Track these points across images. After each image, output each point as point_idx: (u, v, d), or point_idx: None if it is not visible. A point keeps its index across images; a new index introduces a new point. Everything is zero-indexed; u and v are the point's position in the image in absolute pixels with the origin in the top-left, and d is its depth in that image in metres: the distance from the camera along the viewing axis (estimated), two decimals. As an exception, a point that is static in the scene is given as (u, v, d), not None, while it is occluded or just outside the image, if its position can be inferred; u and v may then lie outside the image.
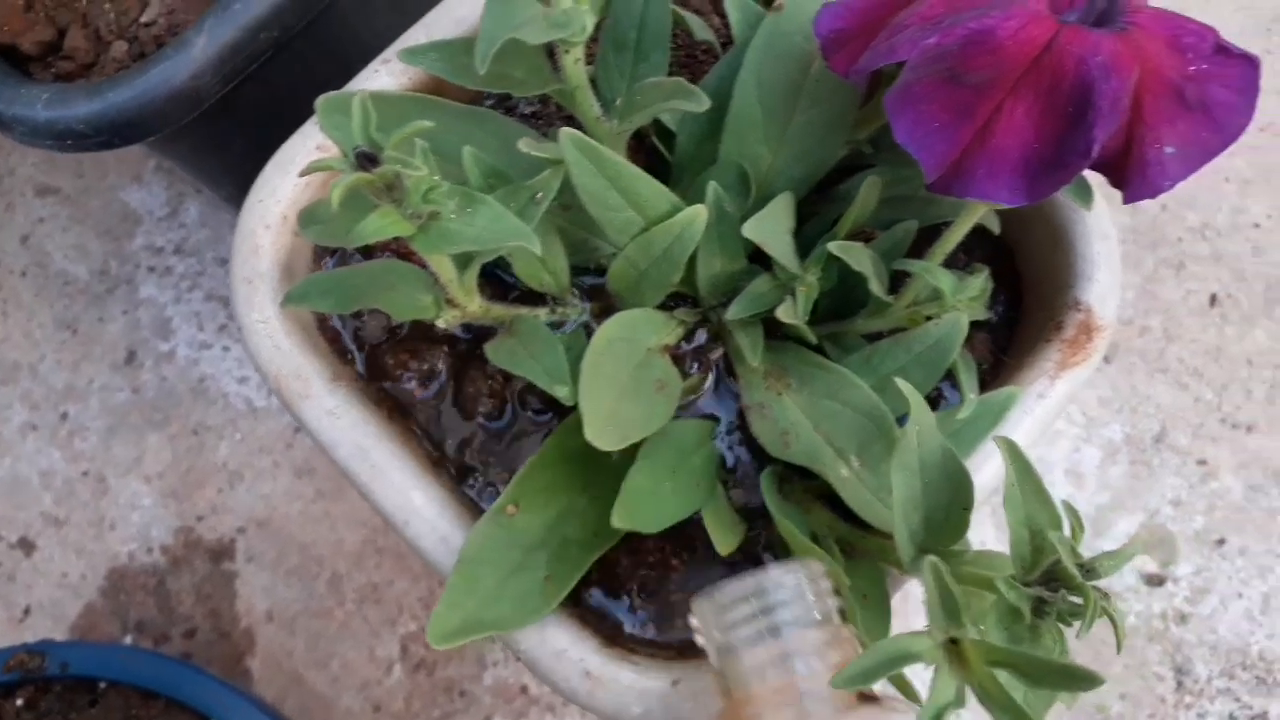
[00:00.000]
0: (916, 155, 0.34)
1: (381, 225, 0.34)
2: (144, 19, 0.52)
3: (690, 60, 0.47)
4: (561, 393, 0.36)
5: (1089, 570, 0.29)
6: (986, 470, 0.39)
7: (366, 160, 0.33)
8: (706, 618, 0.33)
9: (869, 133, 0.43)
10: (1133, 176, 0.34)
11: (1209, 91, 0.33)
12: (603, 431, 0.35)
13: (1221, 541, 0.69)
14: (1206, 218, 0.75)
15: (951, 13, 0.33)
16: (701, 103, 0.36)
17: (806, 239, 0.43)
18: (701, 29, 0.43)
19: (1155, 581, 0.69)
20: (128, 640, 0.71)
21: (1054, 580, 0.30)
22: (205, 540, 0.72)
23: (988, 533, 0.70)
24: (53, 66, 0.52)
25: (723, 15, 0.49)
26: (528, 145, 0.38)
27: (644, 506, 0.37)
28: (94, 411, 0.75)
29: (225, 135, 0.54)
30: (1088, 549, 0.69)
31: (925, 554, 0.34)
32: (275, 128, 0.56)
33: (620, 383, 0.38)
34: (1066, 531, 0.31)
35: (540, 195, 0.38)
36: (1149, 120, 0.33)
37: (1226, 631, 0.68)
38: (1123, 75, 0.32)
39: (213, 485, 0.73)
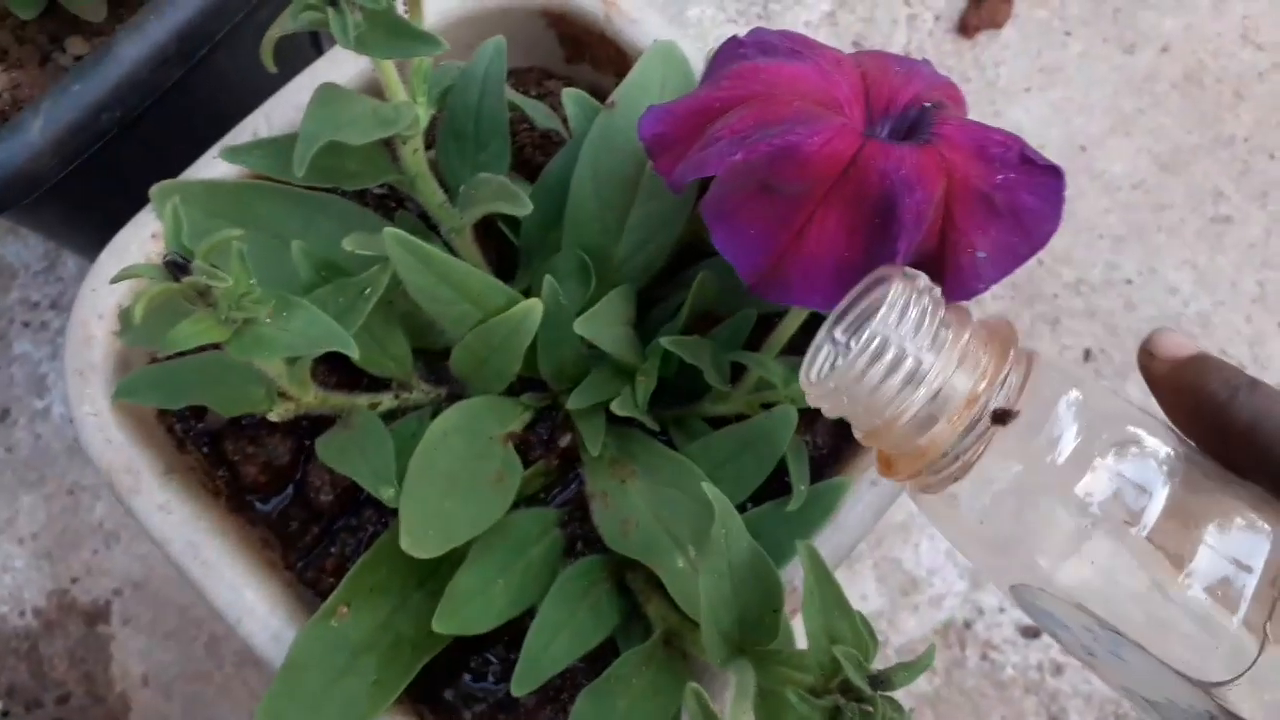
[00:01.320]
0: (734, 263, 0.34)
1: (194, 332, 0.33)
2: (-9, 89, 0.51)
3: (545, 142, 0.48)
4: (387, 495, 0.36)
5: (881, 681, 0.30)
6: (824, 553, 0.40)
7: (176, 269, 0.33)
8: (827, 396, 0.30)
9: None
10: (949, 280, 0.35)
11: (1017, 199, 0.34)
12: (422, 538, 0.35)
13: (1093, 592, 0.71)
14: (1082, 273, 0.77)
15: (760, 126, 0.34)
16: (524, 206, 0.36)
17: (651, 325, 0.44)
18: (545, 118, 0.44)
19: (1032, 633, 0.70)
20: (-2, 708, 0.69)
21: (849, 690, 0.30)
22: (80, 603, 0.71)
23: (869, 586, 0.71)
24: (-108, 138, 0.51)
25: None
26: (353, 243, 0.37)
27: (469, 609, 0.37)
28: (-35, 471, 0.73)
29: (81, 205, 0.54)
30: (968, 603, 0.70)
31: (740, 655, 0.34)
32: (133, 197, 0.55)
33: (452, 477, 0.38)
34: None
35: (369, 291, 0.38)
36: (960, 226, 0.34)
37: (1100, 683, 0.69)
38: (927, 187, 0.33)
39: (88, 546, 0.71)
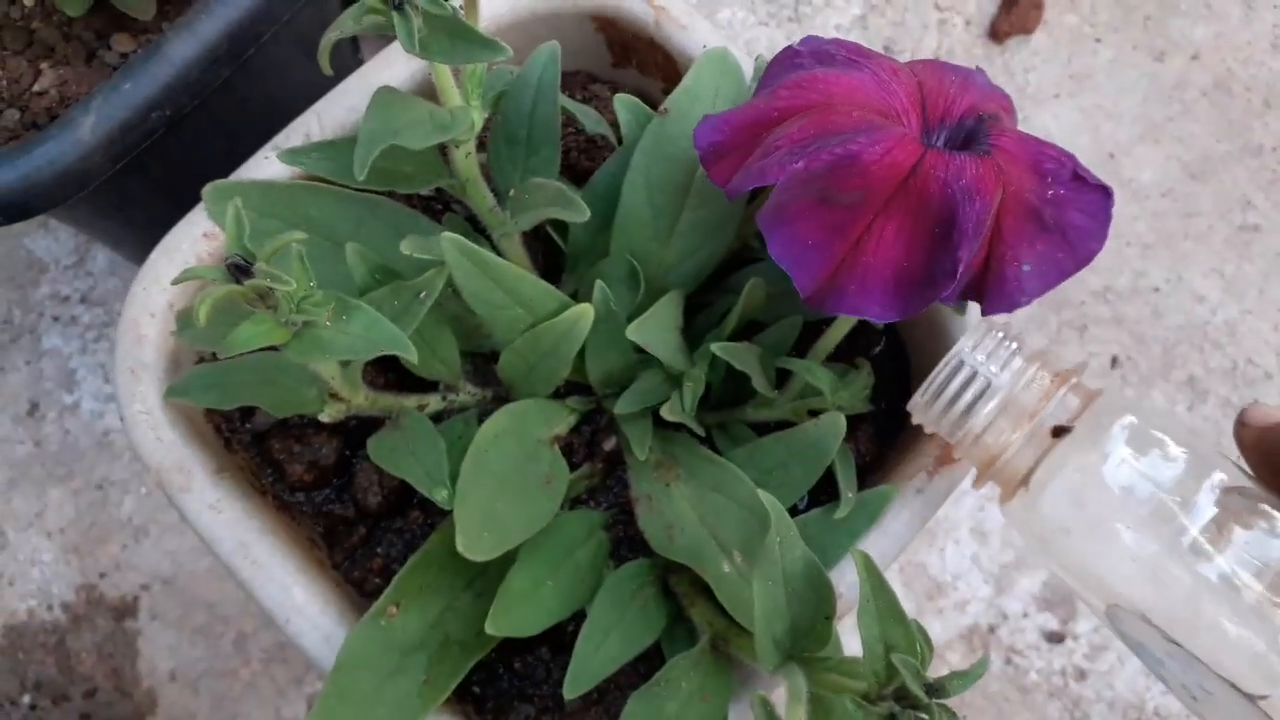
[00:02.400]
0: (790, 273, 0.35)
1: (254, 334, 0.34)
2: (36, 87, 0.51)
3: (590, 146, 0.48)
4: (440, 496, 0.37)
5: (936, 690, 0.30)
6: (864, 567, 0.40)
7: (239, 271, 0.33)
8: (928, 415, 0.36)
9: (756, 227, 0.44)
10: (992, 291, 0.35)
11: (1065, 215, 0.35)
12: (477, 540, 0.35)
13: (1118, 599, 0.71)
14: (1109, 281, 0.77)
15: (819, 136, 0.34)
16: (581, 213, 0.37)
17: (698, 330, 0.44)
18: (595, 123, 0.44)
19: (1056, 639, 0.71)
20: (26, 700, 0.70)
21: (904, 697, 0.31)
22: (108, 597, 0.71)
23: (895, 590, 0.71)
24: (-59, 134, 0.51)
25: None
26: (410, 246, 0.38)
27: (521, 610, 0.37)
28: (-5, 464, 0.73)
29: (123, 202, 0.54)
30: (992, 608, 0.70)
31: (790, 660, 0.35)
32: (173, 197, 0.55)
33: (503, 480, 0.38)
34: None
35: (424, 295, 0.38)
36: (1008, 239, 0.35)
37: (1123, 688, 0.69)
38: (985, 198, 0.33)
39: (116, 541, 0.72)
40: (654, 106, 0.45)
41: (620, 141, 0.47)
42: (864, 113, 0.35)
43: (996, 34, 0.83)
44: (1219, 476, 0.33)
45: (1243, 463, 0.34)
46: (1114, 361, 0.75)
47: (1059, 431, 0.34)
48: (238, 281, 0.33)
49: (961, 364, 0.36)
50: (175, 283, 0.35)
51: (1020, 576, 0.72)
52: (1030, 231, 0.35)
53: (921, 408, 0.37)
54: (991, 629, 0.71)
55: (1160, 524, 0.33)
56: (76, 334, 0.75)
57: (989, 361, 0.36)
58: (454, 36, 0.35)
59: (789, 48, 0.38)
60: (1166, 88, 0.82)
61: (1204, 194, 0.80)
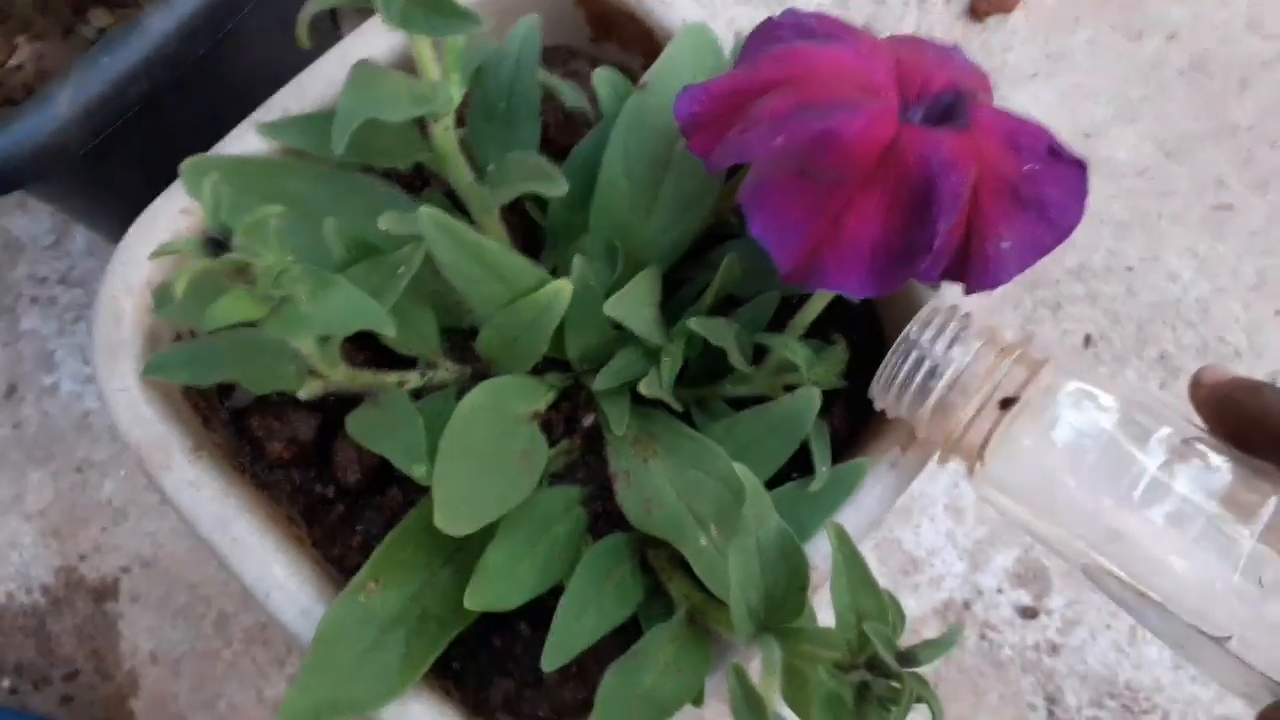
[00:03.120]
0: (770, 249, 0.35)
1: (232, 309, 0.33)
2: (12, 62, 0.50)
3: (570, 123, 0.48)
4: (418, 472, 0.37)
5: (908, 658, 0.30)
6: (841, 539, 0.40)
7: (216, 246, 0.33)
8: (886, 400, 0.38)
9: (735, 202, 0.44)
10: (974, 269, 0.36)
11: (1043, 190, 0.35)
12: (455, 515, 0.35)
13: (1094, 575, 0.72)
14: (1083, 259, 0.78)
15: (799, 110, 0.34)
16: (560, 186, 0.37)
17: (676, 305, 0.44)
18: (574, 97, 0.44)
19: (1029, 614, 0.71)
20: (5, 683, 0.69)
21: (877, 666, 0.31)
22: (88, 580, 0.71)
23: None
24: (-88, 111, 0.50)
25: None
26: (388, 221, 0.38)
27: (499, 585, 0.37)
28: (-29, 446, 0.73)
29: (100, 179, 0.53)
30: (967, 584, 0.71)
31: (765, 631, 0.35)
32: (151, 174, 0.55)
33: (482, 455, 0.38)
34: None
35: (402, 270, 0.38)
36: (987, 216, 0.35)
37: (1095, 662, 0.70)
38: (962, 171, 0.34)
39: (96, 523, 0.71)
40: (634, 81, 0.45)
41: (601, 117, 0.47)
42: (843, 87, 0.35)
43: (976, 13, 0.83)
44: (1166, 430, 0.35)
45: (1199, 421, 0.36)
46: (1088, 340, 0.76)
47: (1006, 403, 0.36)
48: (215, 256, 0.33)
49: (910, 347, 0.37)
50: (152, 257, 0.35)
51: (994, 553, 0.72)
52: (1008, 207, 0.35)
53: (879, 393, 0.38)
54: (966, 605, 0.72)
55: (1110, 477, 0.34)
56: (55, 315, 0.75)
57: (936, 342, 0.37)
58: (432, 9, 0.34)
59: (769, 19, 0.38)
60: (1144, 67, 0.83)
61: (1180, 173, 0.80)
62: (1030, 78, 0.82)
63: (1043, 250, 0.36)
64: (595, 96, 0.48)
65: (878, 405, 0.39)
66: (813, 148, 0.33)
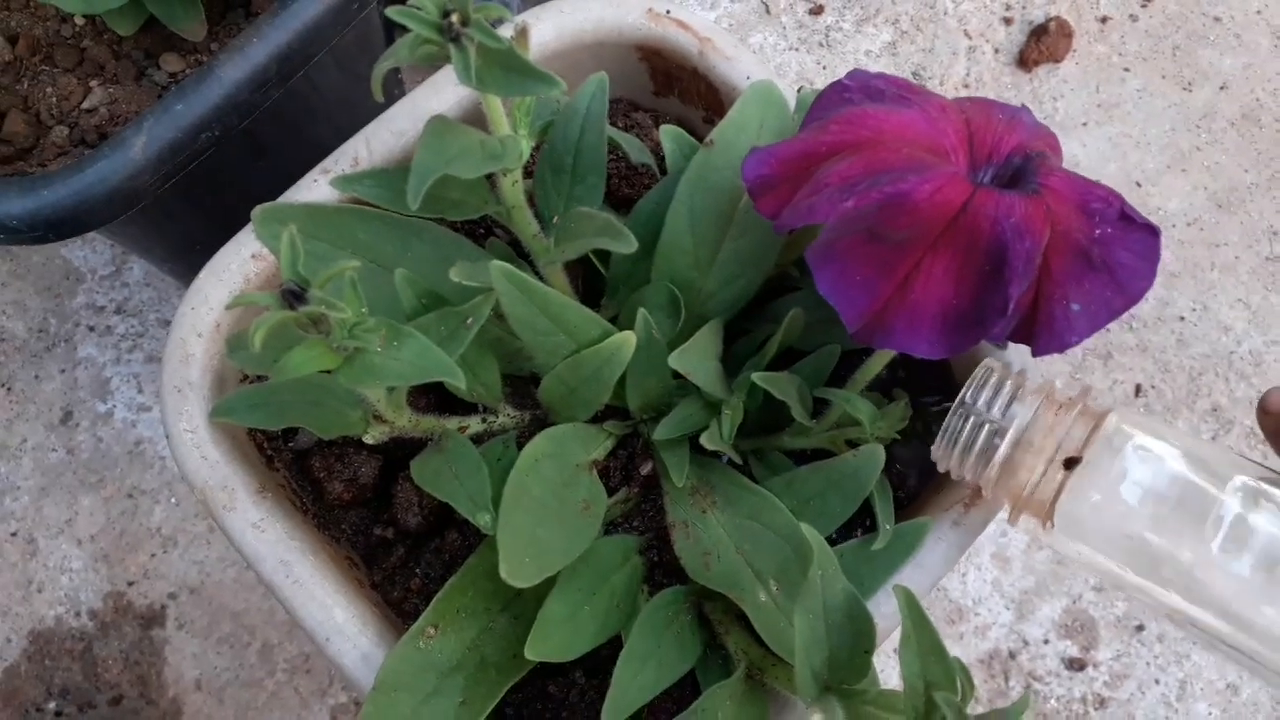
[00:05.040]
0: (838, 308, 0.35)
1: (307, 359, 0.34)
2: (86, 105, 0.52)
3: (631, 174, 0.48)
4: (483, 521, 0.37)
5: (980, 728, 0.30)
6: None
7: (293, 297, 0.33)
8: (950, 463, 0.38)
9: (796, 255, 0.44)
10: (1041, 331, 0.35)
11: (1113, 254, 0.35)
12: (520, 566, 0.35)
13: (1141, 628, 0.71)
14: (1134, 309, 0.77)
15: (870, 174, 0.34)
16: (630, 244, 0.37)
17: (736, 357, 0.44)
18: (639, 152, 0.44)
19: (1076, 666, 0.71)
20: (51, 706, 0.70)
21: (946, 735, 0.31)
22: (136, 606, 0.72)
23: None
24: (-10, 150, 0.52)
25: (663, 129, 0.50)
26: (459, 274, 0.38)
27: (559, 635, 0.37)
28: (26, 471, 0.74)
29: (163, 216, 0.55)
30: (1013, 633, 0.70)
31: (829, 693, 0.35)
32: (213, 210, 0.56)
33: (544, 505, 0.39)
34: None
35: (471, 320, 0.39)
36: (1057, 279, 0.35)
37: (1143, 717, 0.69)
38: (1035, 236, 0.34)
39: (146, 550, 0.72)
40: (695, 135, 0.46)
41: (663, 170, 0.48)
42: (913, 150, 0.35)
43: (1025, 62, 0.83)
44: (1239, 478, 0.35)
45: (1269, 460, 0.36)
46: (1138, 390, 0.75)
47: (1070, 463, 0.36)
48: (292, 307, 0.33)
49: (969, 410, 0.38)
50: (230, 307, 0.35)
51: (1041, 603, 0.72)
52: (1078, 271, 0.35)
53: (942, 456, 0.39)
54: (1012, 655, 0.71)
55: (1187, 527, 0.35)
56: (111, 344, 0.76)
57: (994, 403, 0.37)
58: (508, 69, 0.35)
59: (838, 82, 0.39)
60: (1194, 117, 0.82)
61: (1230, 224, 0.80)
62: (1081, 126, 0.82)
63: (1113, 314, 0.36)
64: (657, 149, 0.49)
65: (941, 468, 0.39)
66: (883, 210, 0.34)
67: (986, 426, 0.37)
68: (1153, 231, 0.35)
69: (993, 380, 0.38)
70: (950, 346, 0.35)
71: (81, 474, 0.74)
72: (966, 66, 0.84)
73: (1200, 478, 0.35)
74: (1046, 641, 0.71)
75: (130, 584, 0.72)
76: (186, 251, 0.60)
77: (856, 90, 0.38)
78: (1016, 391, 0.38)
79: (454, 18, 0.34)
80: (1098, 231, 0.35)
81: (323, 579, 0.40)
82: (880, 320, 0.35)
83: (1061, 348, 0.36)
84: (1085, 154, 0.82)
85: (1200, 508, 0.35)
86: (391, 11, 0.34)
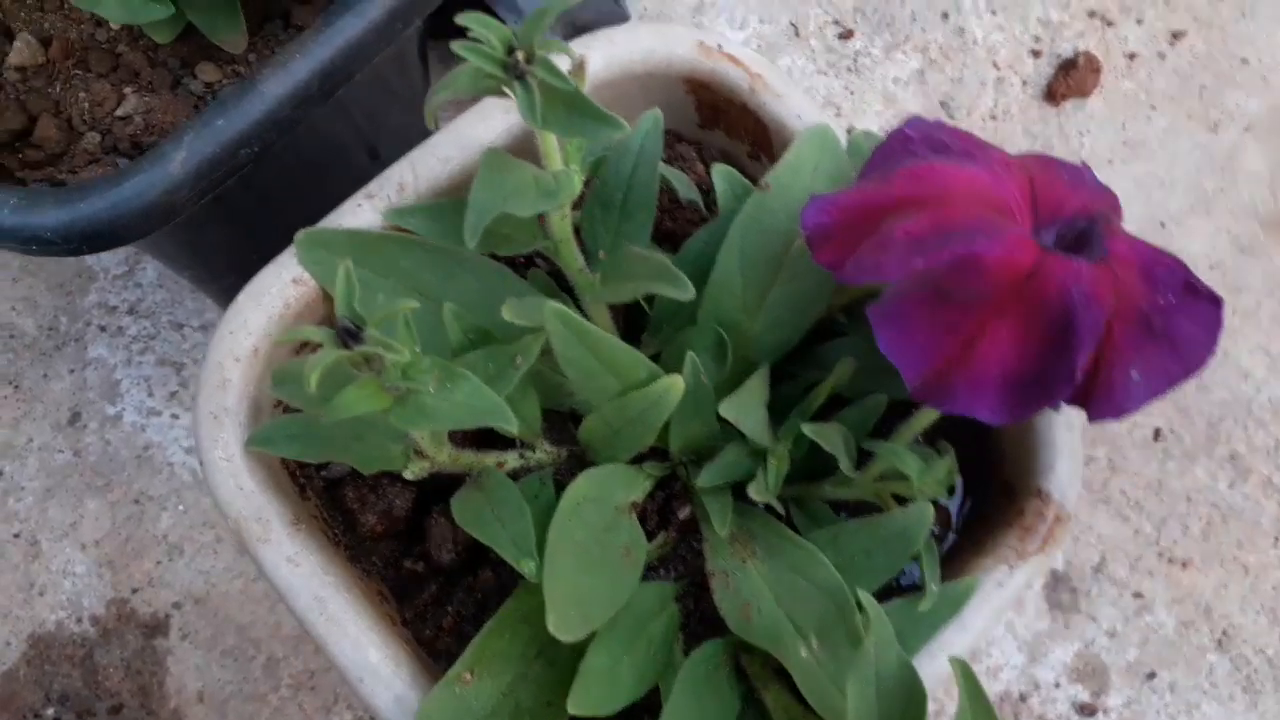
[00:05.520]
0: (899, 366, 0.34)
1: (359, 399, 0.33)
2: (119, 112, 0.51)
3: (674, 207, 0.48)
4: (528, 569, 0.36)
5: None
6: (943, 659, 0.40)
7: (348, 336, 0.33)
8: None
9: (844, 301, 0.44)
10: (1099, 397, 0.35)
11: (1175, 324, 0.35)
12: (567, 619, 0.35)
13: (1152, 675, 0.71)
14: (1156, 351, 0.77)
15: (938, 233, 0.34)
16: (687, 291, 0.36)
17: (780, 401, 0.44)
18: (687, 189, 0.44)
19: (1087, 711, 0.70)
20: (50, 713, 0.69)
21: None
22: (139, 613, 0.70)
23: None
24: (19, 153, 0.51)
25: (706, 163, 0.49)
26: (512, 314, 0.37)
27: (601, 689, 0.36)
28: (31, 471, 0.73)
29: (195, 232, 0.54)
30: (1024, 676, 0.70)
31: (879, 760, 0.34)
32: (242, 222, 0.55)
33: (587, 551, 0.38)
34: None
35: (520, 360, 0.38)
36: (1119, 345, 0.34)
37: (1152, 764, 0.69)
38: (1102, 305, 0.33)
39: (151, 557, 0.71)
40: (740, 169, 0.45)
41: (708, 206, 0.47)
42: (981, 209, 0.35)
43: (1053, 96, 0.83)
44: None
45: None
46: (1157, 434, 0.75)
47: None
48: (346, 346, 0.33)
49: None
50: (281, 342, 0.35)
51: (1054, 646, 0.71)
52: (1140, 338, 0.35)
53: None
54: (1023, 697, 0.71)
55: None
56: (122, 345, 0.75)
57: None
58: (572, 109, 0.34)
59: (901, 132, 0.38)
60: (1220, 159, 0.82)
61: (1253, 269, 0.80)
62: (1106, 164, 0.82)
63: (1172, 384, 0.35)
64: (700, 181, 0.49)
65: None
66: (952, 272, 0.33)
67: None
68: (1216, 302, 0.35)
69: None
70: (1013, 412, 0.34)
71: (88, 477, 0.73)
72: (994, 98, 0.83)
73: None
74: (1058, 685, 0.71)
75: (134, 591, 0.71)
76: (210, 259, 0.59)
77: (920, 142, 0.38)
78: None
79: (519, 55, 0.34)
80: (1161, 300, 0.35)
81: (357, 616, 0.39)
82: (942, 381, 0.35)
83: (1119, 415, 0.35)
84: (1111, 192, 0.81)
85: None
86: (457, 46, 0.34)
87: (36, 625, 0.71)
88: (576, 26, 0.77)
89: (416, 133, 0.63)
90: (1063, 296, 0.33)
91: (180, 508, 0.72)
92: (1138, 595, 0.72)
